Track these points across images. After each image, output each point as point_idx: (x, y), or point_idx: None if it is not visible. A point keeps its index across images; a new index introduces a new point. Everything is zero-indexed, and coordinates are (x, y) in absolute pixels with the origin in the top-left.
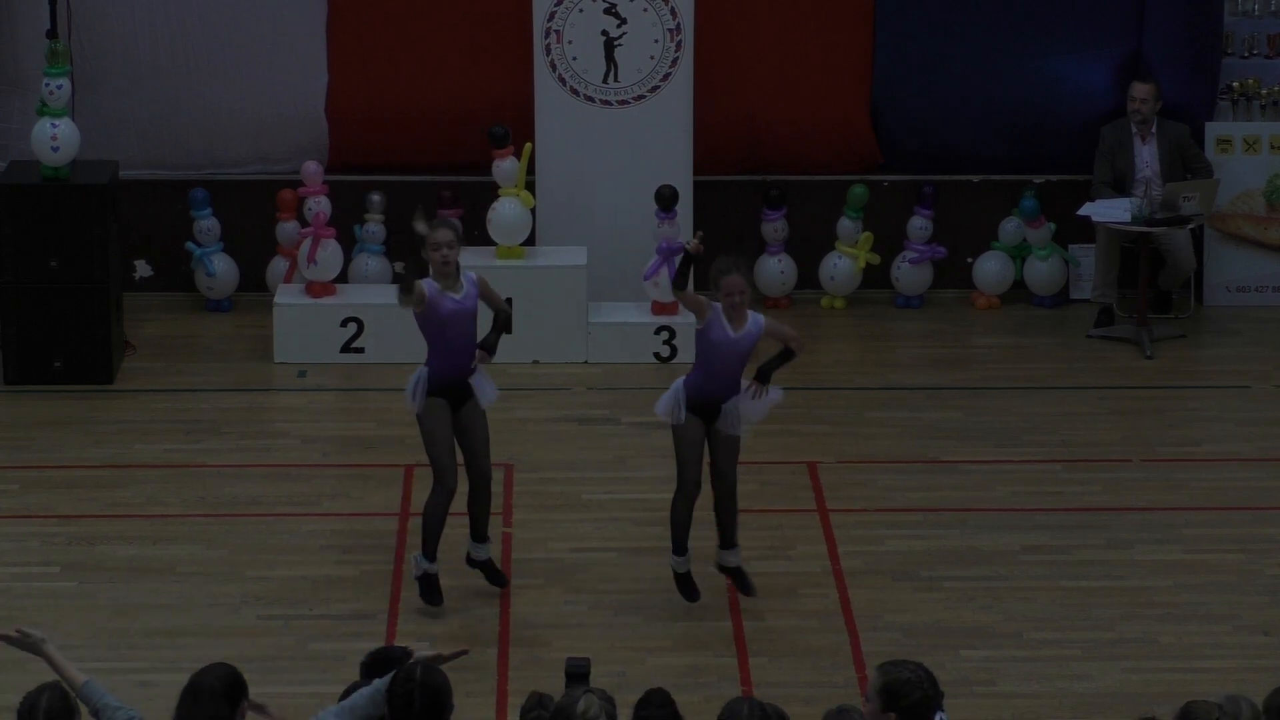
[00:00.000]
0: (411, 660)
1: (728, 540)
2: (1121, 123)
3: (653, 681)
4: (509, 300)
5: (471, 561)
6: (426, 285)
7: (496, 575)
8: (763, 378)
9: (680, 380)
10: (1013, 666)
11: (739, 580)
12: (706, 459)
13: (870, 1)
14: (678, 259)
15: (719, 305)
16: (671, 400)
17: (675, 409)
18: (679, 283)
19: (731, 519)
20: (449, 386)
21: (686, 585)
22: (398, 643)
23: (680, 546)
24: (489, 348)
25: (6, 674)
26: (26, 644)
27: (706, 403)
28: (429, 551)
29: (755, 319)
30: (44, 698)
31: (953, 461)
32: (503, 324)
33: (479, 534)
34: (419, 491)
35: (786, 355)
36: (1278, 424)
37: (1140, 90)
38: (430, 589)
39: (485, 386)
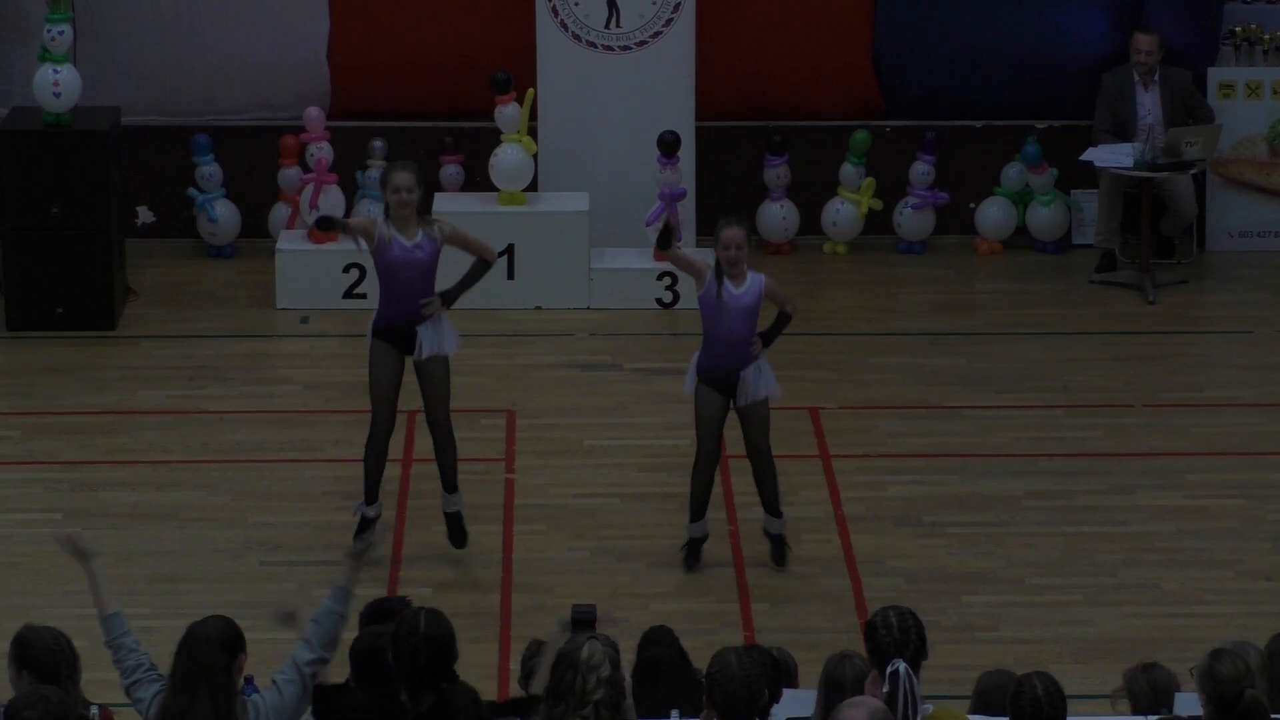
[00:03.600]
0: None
1: (770, 508)
2: (1123, 70)
3: (648, 629)
4: (509, 249)
5: (444, 513)
6: (378, 225)
7: (456, 534)
8: (764, 343)
9: (695, 355)
10: (1014, 612)
11: (776, 549)
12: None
13: None
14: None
15: (714, 264)
16: (690, 376)
17: (689, 382)
18: (661, 243)
19: (770, 488)
20: (393, 332)
21: (692, 552)
22: (400, 590)
23: (696, 514)
24: (446, 298)
25: (11, 620)
26: (75, 550)
27: (723, 374)
28: (366, 494)
29: (755, 278)
30: (37, 634)
31: (955, 407)
32: (476, 275)
33: (445, 484)
34: (421, 438)
35: (783, 319)
36: (1279, 369)
37: (1144, 42)
38: (362, 531)
39: (441, 336)
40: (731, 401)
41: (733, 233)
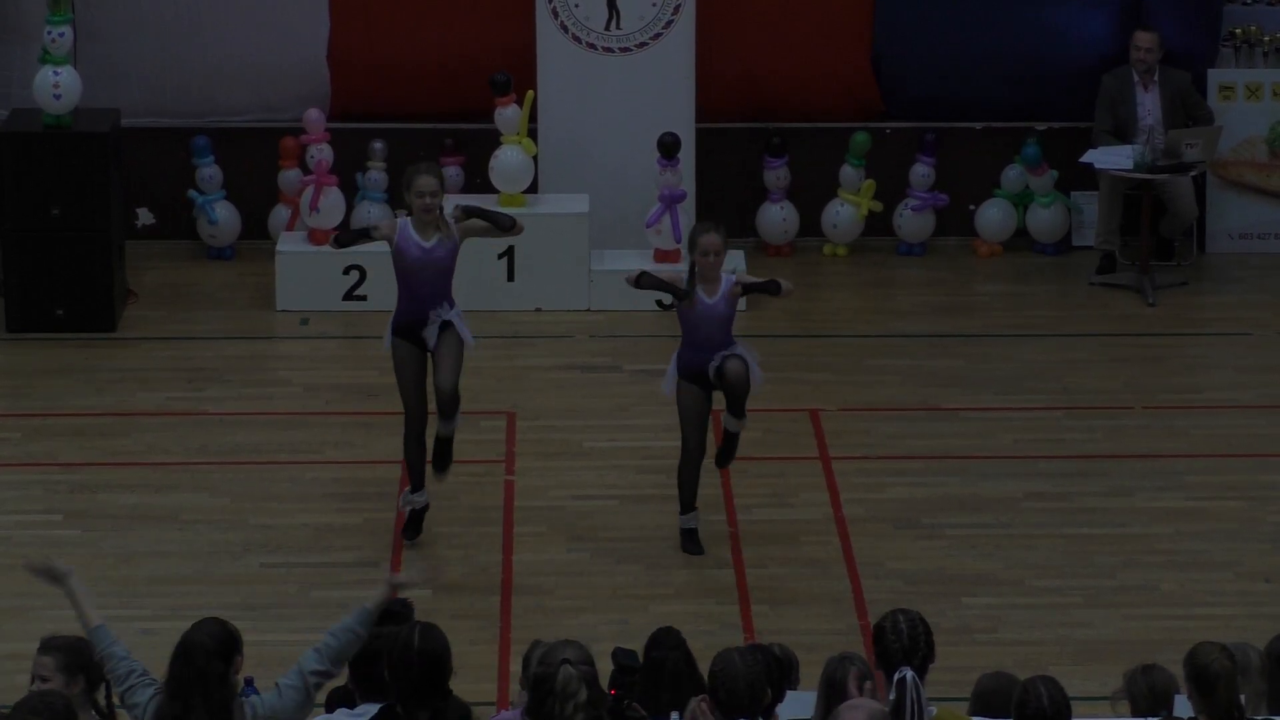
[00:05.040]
0: (403, 607)
1: (734, 411)
2: (1123, 71)
3: (655, 629)
4: (509, 250)
5: (436, 436)
6: (400, 223)
7: (442, 457)
8: (744, 288)
9: (674, 354)
10: (1014, 614)
11: (725, 448)
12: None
13: None
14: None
15: (689, 271)
16: (668, 376)
17: (668, 381)
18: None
19: (739, 398)
20: (412, 330)
21: (691, 540)
22: (400, 594)
23: (686, 506)
24: (467, 210)
25: (10, 622)
26: (51, 575)
27: (702, 369)
28: (411, 483)
29: (726, 279)
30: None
31: (954, 409)
32: (501, 220)
33: (441, 414)
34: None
35: (772, 284)
36: (1279, 371)
37: (1144, 39)
38: (411, 524)
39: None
40: (711, 395)
41: (710, 239)
